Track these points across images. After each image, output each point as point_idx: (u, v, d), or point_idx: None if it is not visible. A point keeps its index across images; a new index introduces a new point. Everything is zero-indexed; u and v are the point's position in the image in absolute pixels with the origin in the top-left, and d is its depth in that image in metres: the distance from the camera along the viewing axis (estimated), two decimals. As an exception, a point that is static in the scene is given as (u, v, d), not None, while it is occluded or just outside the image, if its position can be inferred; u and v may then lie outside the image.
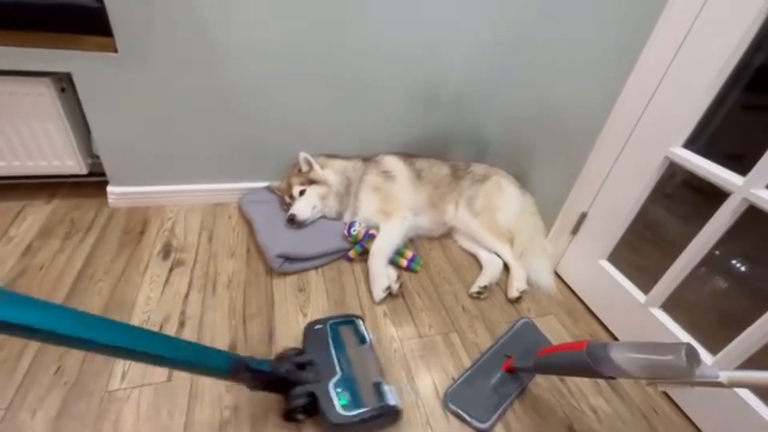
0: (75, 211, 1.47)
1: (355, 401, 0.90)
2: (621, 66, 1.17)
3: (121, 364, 1.00)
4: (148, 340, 0.68)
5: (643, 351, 0.73)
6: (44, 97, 1.28)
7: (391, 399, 0.94)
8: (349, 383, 0.93)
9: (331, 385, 0.91)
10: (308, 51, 1.40)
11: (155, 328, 1.10)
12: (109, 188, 1.51)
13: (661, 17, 1.05)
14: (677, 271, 1.08)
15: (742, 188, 0.92)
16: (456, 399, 1.02)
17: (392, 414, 0.94)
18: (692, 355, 0.66)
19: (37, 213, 1.44)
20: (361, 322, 1.13)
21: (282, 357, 0.93)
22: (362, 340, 1.07)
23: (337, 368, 0.96)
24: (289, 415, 0.91)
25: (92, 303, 1.15)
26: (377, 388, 0.95)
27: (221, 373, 0.78)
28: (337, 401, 0.88)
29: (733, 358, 0.96)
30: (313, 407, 0.89)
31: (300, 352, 0.98)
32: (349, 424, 0.87)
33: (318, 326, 1.07)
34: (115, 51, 1.24)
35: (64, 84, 1.32)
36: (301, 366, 0.92)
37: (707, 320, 1.20)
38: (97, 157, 1.47)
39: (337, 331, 1.07)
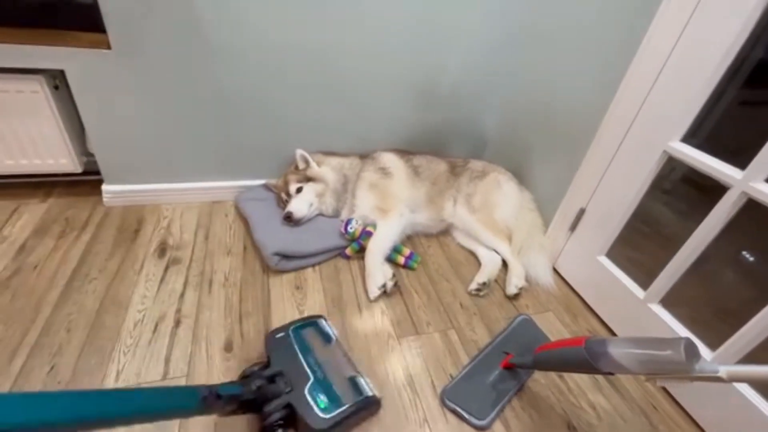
0: (70, 210, 1.46)
1: (334, 401, 0.88)
2: (618, 61, 1.16)
3: (115, 363, 1.00)
4: (94, 403, 0.56)
5: (642, 346, 0.72)
6: (37, 94, 1.26)
7: (368, 390, 0.94)
8: (323, 385, 0.91)
9: (306, 391, 0.89)
10: (305, 48, 1.38)
11: (151, 327, 1.10)
12: (104, 187, 1.50)
13: (658, 11, 1.04)
14: (676, 267, 1.07)
15: (741, 182, 0.91)
16: (454, 396, 1.01)
17: (372, 404, 0.94)
18: (691, 350, 0.65)
19: (31, 212, 1.43)
20: (323, 320, 1.10)
21: (248, 374, 0.89)
22: (327, 338, 1.05)
23: (309, 373, 0.92)
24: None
25: (87, 302, 1.14)
26: (352, 382, 0.94)
27: (192, 410, 0.71)
28: (316, 406, 0.86)
29: (732, 354, 0.95)
30: (291, 418, 0.86)
31: (265, 365, 0.94)
32: (333, 426, 0.85)
33: (280, 334, 1.01)
34: (109, 47, 1.23)
35: (58, 81, 1.31)
36: (271, 379, 0.88)
37: (707, 316, 1.20)
38: (92, 155, 1.46)
39: (301, 334, 1.02)
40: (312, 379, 0.92)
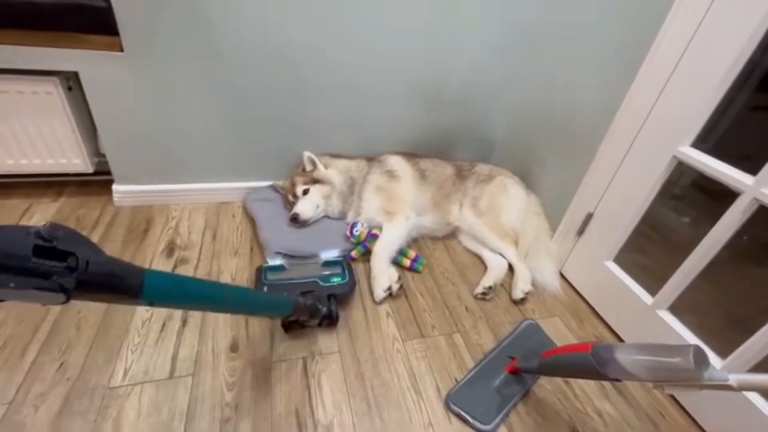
0: (81, 209, 1.49)
1: (338, 275, 1.27)
2: (628, 64, 1.15)
3: (123, 361, 1.01)
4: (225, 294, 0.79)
5: (650, 353, 0.71)
6: (52, 96, 1.29)
7: (336, 252, 1.40)
8: (322, 274, 1.26)
9: (323, 285, 1.20)
10: (314, 51, 1.40)
11: (158, 326, 1.11)
12: (115, 187, 1.52)
13: (668, 14, 1.04)
14: (685, 273, 1.06)
15: (753, 188, 0.90)
16: (459, 400, 1.01)
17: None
18: (700, 358, 0.64)
19: (43, 211, 1.45)
20: (263, 267, 1.28)
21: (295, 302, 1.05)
22: (281, 268, 1.29)
23: (308, 280, 1.22)
24: (333, 316, 1.14)
25: (96, 300, 1.15)
26: (325, 263, 1.33)
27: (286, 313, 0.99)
28: (337, 282, 1.23)
29: (743, 362, 0.94)
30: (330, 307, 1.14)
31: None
32: (353, 281, 1.27)
33: (264, 286, 1.21)
34: (122, 50, 1.26)
35: (71, 83, 1.33)
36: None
37: (716, 323, 1.18)
38: (103, 155, 1.48)
39: (269, 277, 1.24)
40: (315, 278, 1.23)
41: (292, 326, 1.13)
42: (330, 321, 1.14)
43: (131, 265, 0.55)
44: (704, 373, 0.64)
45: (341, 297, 1.23)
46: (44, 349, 1.01)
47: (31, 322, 1.06)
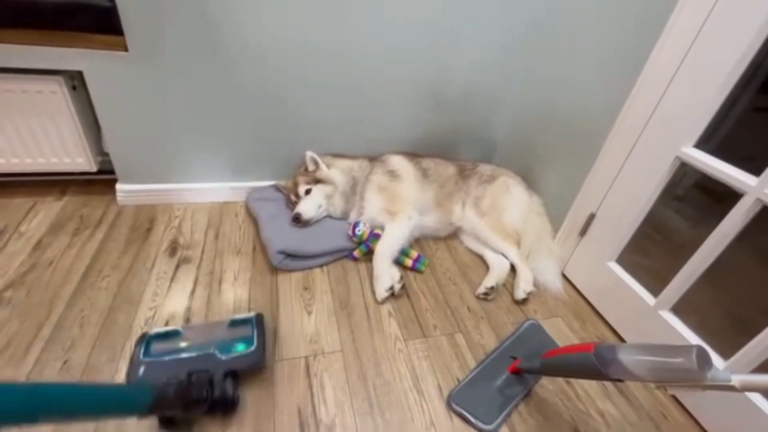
0: (84, 208, 1.49)
1: (245, 340, 0.97)
2: (631, 64, 1.15)
3: (126, 360, 1.01)
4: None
5: (653, 353, 0.71)
6: (56, 95, 1.30)
7: (247, 314, 1.07)
8: (223, 343, 0.95)
9: (221, 356, 0.92)
10: (316, 51, 1.40)
11: (161, 324, 1.11)
12: (118, 186, 1.53)
13: (672, 14, 1.03)
14: (688, 274, 1.06)
15: (756, 189, 0.90)
16: (460, 400, 1.01)
17: (262, 316, 1.06)
18: (703, 358, 0.64)
19: (47, 209, 1.46)
20: (148, 337, 0.98)
21: (169, 384, 0.81)
22: (176, 333, 1.00)
23: (204, 350, 0.93)
24: (228, 403, 0.89)
25: (99, 298, 1.16)
26: (232, 322, 1.03)
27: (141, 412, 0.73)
28: (241, 352, 0.94)
29: (746, 363, 0.94)
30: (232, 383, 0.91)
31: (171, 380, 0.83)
32: (263, 351, 0.97)
33: (142, 366, 0.91)
34: (126, 50, 1.26)
35: (76, 82, 1.34)
36: (188, 380, 0.85)
37: (719, 324, 1.18)
38: (107, 154, 1.49)
39: (153, 347, 0.95)
40: (211, 349, 0.93)
41: (173, 423, 0.86)
42: (225, 408, 0.88)
43: None
44: (707, 374, 0.64)
45: (245, 371, 0.97)
46: (48, 347, 1.01)
47: (35, 321, 1.07)
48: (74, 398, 0.63)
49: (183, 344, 0.96)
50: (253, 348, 0.95)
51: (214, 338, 0.97)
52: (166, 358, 0.92)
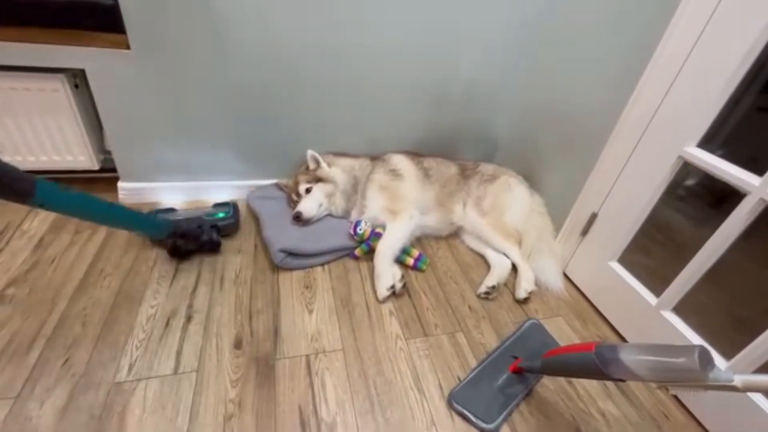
0: (86, 206, 1.49)
1: (225, 210, 1.46)
2: (634, 63, 1.15)
3: (128, 356, 1.01)
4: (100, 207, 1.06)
5: (655, 353, 0.71)
6: (58, 93, 1.30)
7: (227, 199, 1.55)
8: (208, 213, 1.44)
9: (207, 219, 1.38)
10: (318, 51, 1.40)
11: (163, 322, 1.12)
12: (120, 184, 1.53)
13: (675, 14, 1.03)
14: (690, 274, 1.06)
15: (760, 188, 0.89)
16: (461, 399, 1.01)
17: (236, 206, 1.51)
18: (705, 358, 0.64)
19: (49, 207, 1.46)
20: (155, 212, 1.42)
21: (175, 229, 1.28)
22: (172, 210, 1.45)
23: (194, 216, 1.38)
24: (213, 244, 1.34)
25: (101, 296, 1.16)
26: (215, 206, 1.50)
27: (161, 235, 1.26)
28: (220, 216, 1.42)
29: (748, 363, 0.94)
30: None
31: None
32: (237, 217, 1.48)
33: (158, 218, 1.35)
34: (128, 48, 1.26)
35: (78, 80, 1.34)
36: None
37: (721, 324, 1.17)
38: (109, 152, 1.50)
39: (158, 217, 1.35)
40: (202, 214, 1.40)
41: (176, 252, 1.28)
42: (211, 247, 1.33)
43: (23, 172, 0.80)
44: (709, 374, 0.64)
45: (224, 229, 1.41)
46: (50, 345, 1.02)
47: (37, 318, 1.07)
48: (129, 216, 1.15)
49: (178, 215, 1.39)
50: (229, 215, 1.44)
51: (204, 210, 1.45)
52: (172, 217, 1.37)
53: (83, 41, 1.23)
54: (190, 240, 1.27)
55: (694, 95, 1.01)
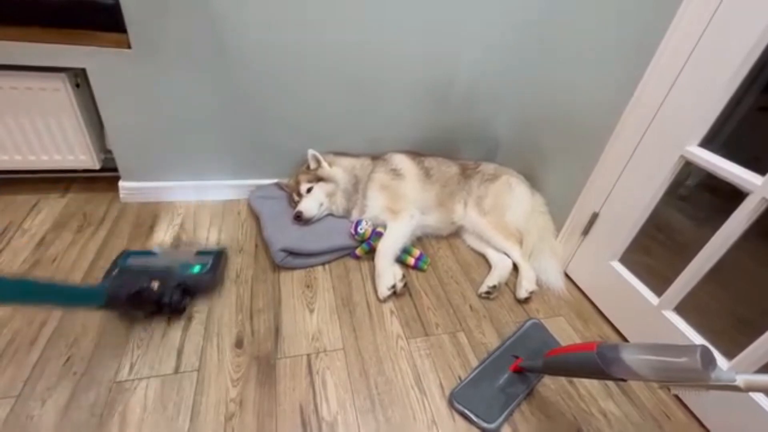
0: (87, 205, 1.50)
1: (203, 265, 1.18)
2: (635, 63, 1.14)
3: (129, 355, 1.01)
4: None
5: (656, 353, 0.71)
6: (59, 92, 1.30)
7: (213, 248, 1.30)
8: (184, 266, 1.16)
9: (179, 274, 1.12)
10: (319, 50, 1.40)
11: (164, 321, 1.11)
12: (121, 183, 1.53)
13: (677, 12, 1.03)
14: (692, 274, 1.05)
15: (762, 188, 0.89)
16: (463, 398, 1.01)
17: (223, 253, 1.29)
18: (708, 358, 0.64)
19: (50, 206, 1.46)
20: (127, 253, 1.21)
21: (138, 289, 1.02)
22: (152, 253, 1.22)
23: (168, 267, 1.11)
24: (173, 308, 1.08)
25: (102, 295, 1.16)
26: (199, 253, 1.23)
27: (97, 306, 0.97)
28: (196, 272, 1.16)
29: (750, 363, 0.93)
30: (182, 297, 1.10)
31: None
32: (216, 275, 1.20)
33: (115, 271, 1.13)
34: (129, 47, 1.26)
35: (79, 79, 1.34)
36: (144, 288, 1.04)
37: (723, 324, 1.17)
38: (110, 152, 1.50)
39: (130, 261, 1.17)
40: (173, 266, 1.13)
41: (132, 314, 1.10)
42: (171, 311, 1.09)
43: None
44: (711, 374, 0.64)
45: (196, 288, 1.17)
46: (51, 344, 1.02)
47: (39, 317, 1.07)
48: (43, 290, 0.86)
49: (154, 261, 1.17)
50: (206, 271, 1.17)
51: (180, 260, 1.18)
52: (135, 266, 1.15)
53: (84, 40, 1.23)
54: (144, 303, 1.03)
55: (696, 95, 1.01)
